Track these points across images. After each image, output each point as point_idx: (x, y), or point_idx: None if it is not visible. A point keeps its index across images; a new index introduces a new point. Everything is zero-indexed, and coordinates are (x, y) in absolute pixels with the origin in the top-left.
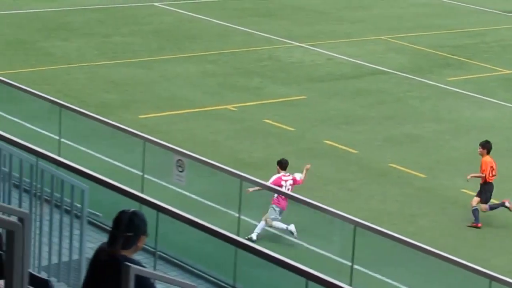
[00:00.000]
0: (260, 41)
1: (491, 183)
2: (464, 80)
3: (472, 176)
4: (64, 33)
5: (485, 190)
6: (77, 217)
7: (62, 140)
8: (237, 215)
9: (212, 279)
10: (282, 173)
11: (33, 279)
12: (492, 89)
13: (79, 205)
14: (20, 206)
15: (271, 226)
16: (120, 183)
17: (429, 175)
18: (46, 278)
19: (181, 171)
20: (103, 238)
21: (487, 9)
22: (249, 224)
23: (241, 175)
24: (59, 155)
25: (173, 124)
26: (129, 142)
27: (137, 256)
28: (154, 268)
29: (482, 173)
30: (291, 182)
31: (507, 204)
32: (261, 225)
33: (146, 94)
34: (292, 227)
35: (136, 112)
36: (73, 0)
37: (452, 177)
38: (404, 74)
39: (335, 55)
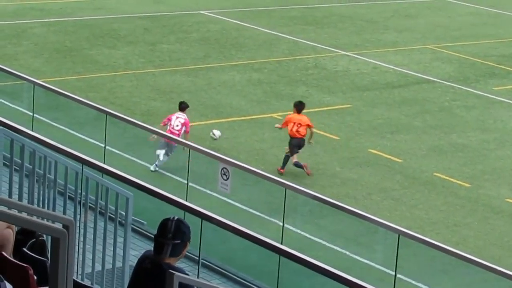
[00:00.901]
0: (306, 50)
1: None
2: (510, 90)
3: None
4: (110, 41)
5: None
6: (121, 224)
7: (108, 147)
8: (281, 223)
9: (255, 287)
10: (178, 112)
11: (77, 286)
12: None
13: (123, 213)
14: (64, 213)
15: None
16: (165, 191)
17: (474, 185)
18: (90, 285)
19: (226, 179)
20: (147, 246)
21: None
22: (293, 232)
23: (285, 184)
24: (104, 163)
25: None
26: (174, 150)
27: (181, 264)
28: (198, 276)
29: None
30: (182, 120)
31: None
32: (161, 156)
33: (191, 102)
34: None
35: None
36: (119, 8)
37: (497, 187)
38: (450, 83)
39: (381, 63)
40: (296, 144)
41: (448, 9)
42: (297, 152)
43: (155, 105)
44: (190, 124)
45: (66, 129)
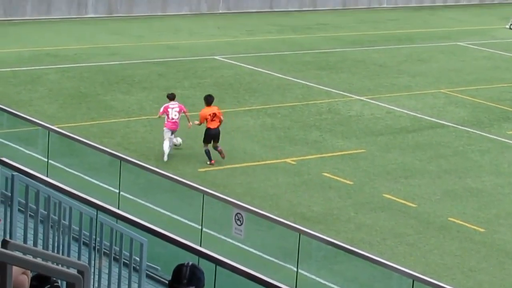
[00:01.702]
0: (320, 94)
1: None
2: None
3: None
4: (125, 86)
5: None
6: (136, 270)
7: (122, 193)
8: (295, 269)
9: None
10: (171, 103)
11: None
12: None
13: (137, 258)
14: (79, 259)
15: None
16: (179, 236)
17: (489, 229)
18: None
19: (239, 225)
20: None
21: None
22: (307, 278)
23: (300, 229)
24: (118, 208)
25: (232, 177)
26: (188, 195)
27: None
28: None
29: None
30: (177, 109)
31: None
32: (166, 145)
33: None
34: (176, 140)
35: (195, 165)
36: (134, 54)
37: None
38: (464, 128)
39: (394, 108)
40: (213, 133)
41: (462, 53)
42: (210, 143)
43: (169, 150)
44: (205, 169)
45: (81, 174)
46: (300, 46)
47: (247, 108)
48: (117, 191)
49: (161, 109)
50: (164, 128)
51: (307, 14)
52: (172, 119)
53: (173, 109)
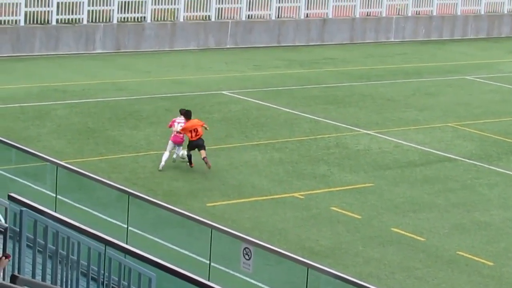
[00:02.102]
0: (328, 129)
1: None
2: None
3: None
4: (132, 122)
5: None
6: None
7: (130, 228)
8: None
9: None
10: (178, 117)
11: None
12: None
13: None
14: None
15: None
16: (187, 271)
17: (497, 263)
18: None
19: (248, 259)
20: None
21: None
22: None
23: (308, 263)
24: (126, 243)
25: (240, 212)
26: (196, 230)
27: None
28: None
29: None
30: (182, 124)
31: None
32: (164, 156)
33: (213, 182)
34: (182, 154)
35: (203, 200)
36: (141, 89)
37: None
38: (472, 161)
39: (402, 142)
40: (196, 144)
41: (469, 87)
42: (193, 150)
43: (177, 185)
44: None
45: (89, 210)
46: (308, 80)
47: (255, 143)
48: (126, 226)
49: (170, 122)
50: (169, 141)
51: (314, 48)
52: (177, 132)
53: (179, 124)
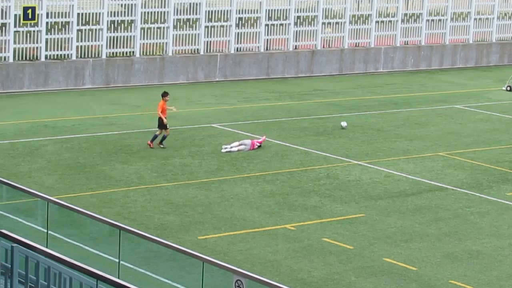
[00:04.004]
0: (318, 160)
1: None
2: None
3: None
4: (123, 156)
5: None
6: None
7: (122, 262)
8: None
9: None
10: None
11: None
12: None
13: None
14: None
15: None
16: None
17: None
18: None
19: None
20: None
21: None
22: None
23: None
24: (118, 278)
25: (232, 244)
26: (188, 263)
27: None
28: None
29: None
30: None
31: None
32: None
33: (205, 215)
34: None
35: (195, 233)
36: (132, 123)
37: None
38: (463, 190)
39: (393, 172)
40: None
41: (459, 115)
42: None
43: (169, 219)
44: (205, 237)
45: (81, 245)
46: (298, 112)
47: (245, 175)
48: (117, 260)
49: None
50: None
51: (303, 80)
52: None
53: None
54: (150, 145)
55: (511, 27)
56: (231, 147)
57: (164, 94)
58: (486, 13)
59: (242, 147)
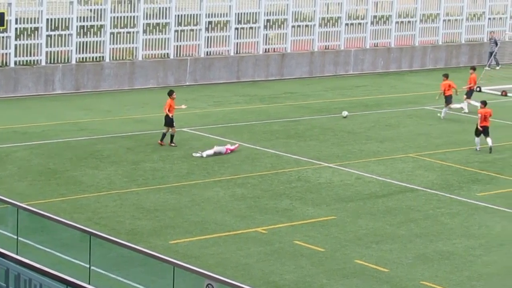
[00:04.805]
0: (289, 163)
1: None
2: (493, 195)
3: None
4: (93, 162)
5: None
6: None
7: (93, 267)
8: None
9: None
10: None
11: None
12: None
13: None
14: None
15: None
16: None
17: None
18: None
19: None
20: None
21: None
22: None
23: None
24: (89, 283)
25: (203, 248)
26: (159, 268)
27: None
28: None
29: None
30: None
31: None
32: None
33: (176, 219)
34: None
35: (166, 237)
36: (102, 129)
37: None
38: (434, 191)
39: (364, 174)
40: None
41: (429, 117)
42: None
43: (140, 223)
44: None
45: (52, 251)
46: (268, 115)
47: (217, 179)
48: (88, 266)
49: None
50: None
51: (274, 83)
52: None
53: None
54: (161, 143)
55: (480, 28)
56: (207, 155)
57: (171, 93)
58: (455, 15)
59: (217, 150)
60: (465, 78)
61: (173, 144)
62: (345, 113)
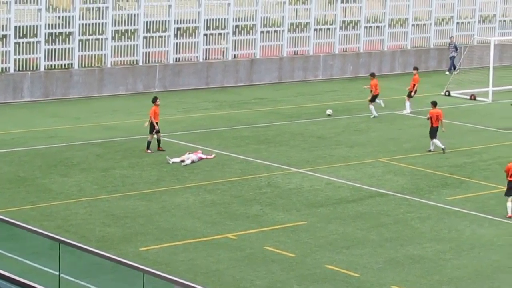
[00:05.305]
0: (259, 169)
1: None
2: (463, 199)
3: None
4: (63, 169)
5: None
6: None
7: (63, 275)
8: None
9: None
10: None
11: None
12: (492, 206)
13: None
14: None
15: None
16: None
17: None
18: None
19: None
20: None
21: (483, 127)
22: None
23: None
24: None
25: (174, 255)
26: (130, 275)
27: None
28: None
29: None
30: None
31: None
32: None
33: (146, 226)
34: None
35: (136, 244)
36: (72, 136)
37: None
38: (404, 195)
39: (334, 179)
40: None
41: (399, 121)
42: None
43: (110, 230)
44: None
45: (21, 259)
46: (238, 121)
47: (187, 185)
48: (58, 273)
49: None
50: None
51: (243, 89)
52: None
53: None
54: (161, 149)
55: (448, 33)
56: (185, 164)
57: (154, 100)
58: (423, 19)
59: (190, 158)
60: (434, 82)
61: (161, 149)
62: (329, 111)
